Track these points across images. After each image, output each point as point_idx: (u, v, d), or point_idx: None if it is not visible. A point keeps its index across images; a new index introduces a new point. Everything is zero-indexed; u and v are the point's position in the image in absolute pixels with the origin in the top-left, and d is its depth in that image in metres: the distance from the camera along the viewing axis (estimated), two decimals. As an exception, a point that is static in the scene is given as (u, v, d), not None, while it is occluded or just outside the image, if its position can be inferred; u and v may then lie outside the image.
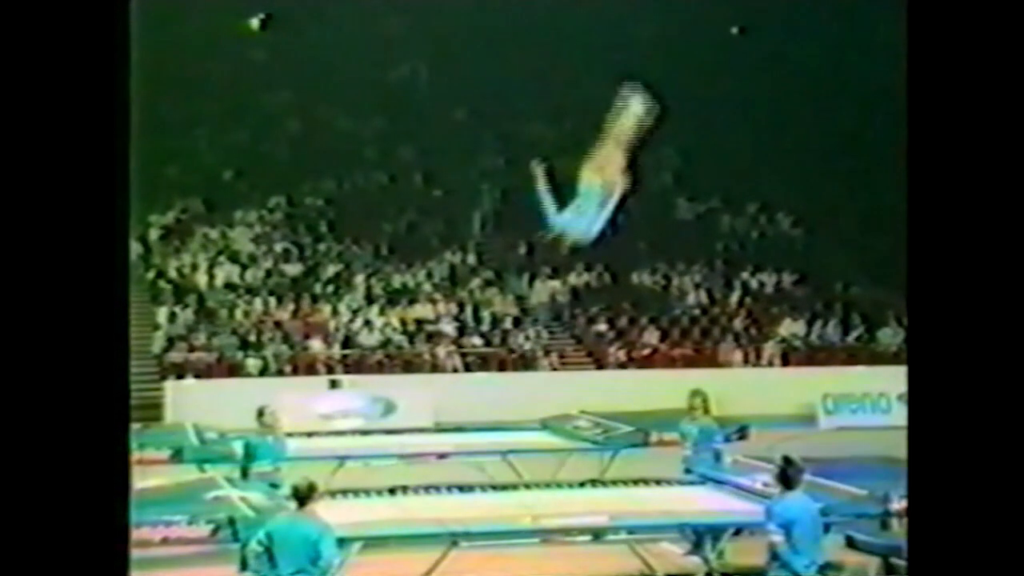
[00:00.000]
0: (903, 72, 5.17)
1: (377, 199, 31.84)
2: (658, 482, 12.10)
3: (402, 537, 9.94)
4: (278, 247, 29.40)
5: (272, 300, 27.02)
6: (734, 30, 34.48)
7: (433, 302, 27.54)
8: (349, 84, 33.21)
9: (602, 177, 10.15)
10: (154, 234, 29.14)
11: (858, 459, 13.29)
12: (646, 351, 27.03)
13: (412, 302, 27.51)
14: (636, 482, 12.22)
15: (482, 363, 26.14)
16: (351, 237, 29.94)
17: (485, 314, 27.42)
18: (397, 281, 28.32)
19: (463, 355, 26.12)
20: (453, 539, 9.60)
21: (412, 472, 13.13)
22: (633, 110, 10.44)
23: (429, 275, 28.55)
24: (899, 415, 20.26)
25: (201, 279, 27.73)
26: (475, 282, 28.58)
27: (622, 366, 26.52)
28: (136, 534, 7.16)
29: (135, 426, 10.93)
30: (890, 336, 27.50)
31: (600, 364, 26.76)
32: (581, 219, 10.21)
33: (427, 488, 11.55)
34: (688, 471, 12.34)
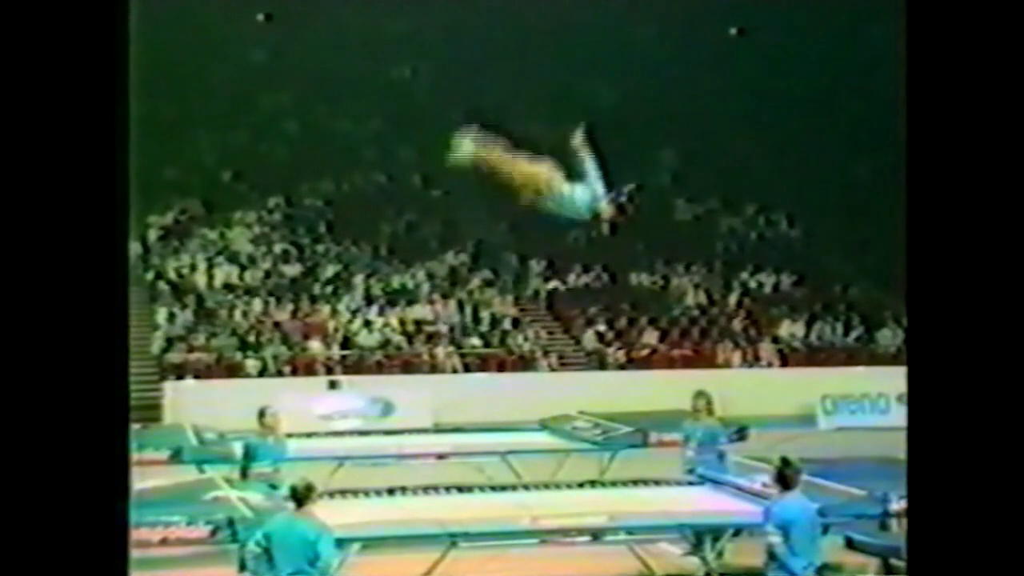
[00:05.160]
0: (902, 72, 5.17)
1: (376, 199, 31.84)
2: (657, 482, 12.11)
3: (402, 537, 9.94)
4: (277, 248, 29.41)
5: (271, 301, 27.02)
6: (733, 31, 34.50)
7: (432, 302, 27.54)
8: (349, 84, 33.23)
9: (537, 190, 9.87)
10: (153, 234, 29.15)
11: (857, 459, 13.29)
12: (645, 351, 27.04)
13: (411, 303, 27.52)
14: (635, 482, 12.23)
15: (481, 363, 26.14)
16: (350, 238, 29.94)
17: (484, 314, 27.43)
18: (396, 281, 28.32)
19: (462, 355, 26.13)
20: (452, 540, 9.60)
21: (411, 472, 13.13)
22: (466, 150, 10.15)
23: (431, 276, 28.52)
24: (898, 416, 20.26)
25: (200, 280, 27.73)
26: (475, 282, 28.60)
27: (621, 367, 26.52)
28: (135, 535, 7.16)
29: (134, 426, 10.92)
30: (889, 337, 27.51)
31: (599, 364, 26.76)
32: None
33: (426, 489, 11.56)
34: (691, 471, 12.34)
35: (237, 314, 26.49)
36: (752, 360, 27.11)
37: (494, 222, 30.91)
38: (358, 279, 28.17)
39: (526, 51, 32.78)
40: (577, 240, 30.78)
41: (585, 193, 9.52)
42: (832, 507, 9.58)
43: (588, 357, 27.07)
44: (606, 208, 9.58)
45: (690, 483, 12.02)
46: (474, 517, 10.22)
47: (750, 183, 33.00)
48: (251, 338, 25.69)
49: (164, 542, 8.89)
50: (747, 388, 22.64)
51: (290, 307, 26.89)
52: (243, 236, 29.71)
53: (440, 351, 25.94)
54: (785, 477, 8.47)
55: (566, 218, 9.86)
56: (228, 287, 27.61)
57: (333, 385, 24.44)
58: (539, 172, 9.59)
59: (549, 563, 10.75)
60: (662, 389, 18.94)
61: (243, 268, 28.35)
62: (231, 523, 8.96)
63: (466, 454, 14.62)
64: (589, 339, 27.36)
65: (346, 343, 26.06)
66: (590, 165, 9.59)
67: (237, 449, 12.49)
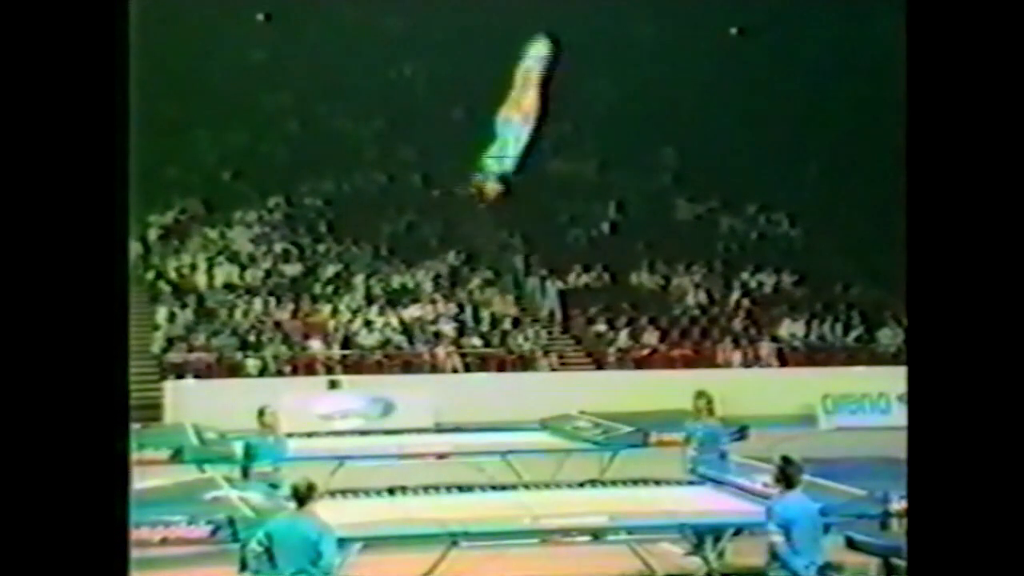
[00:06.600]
0: (903, 72, 5.17)
1: (377, 199, 31.83)
2: (658, 482, 12.11)
3: (402, 537, 9.94)
4: (277, 247, 29.39)
5: (272, 300, 27.01)
6: (733, 30, 34.48)
7: (433, 302, 27.53)
8: (349, 84, 33.20)
9: (520, 112, 11.45)
10: (154, 234, 29.13)
11: (858, 459, 13.29)
12: (646, 351, 27.02)
13: (414, 301, 27.49)
14: (636, 482, 12.22)
15: (481, 363, 26.13)
16: (351, 237, 29.93)
17: (485, 314, 27.41)
18: (396, 281, 28.31)
19: (463, 355, 26.11)
20: (453, 539, 9.60)
21: (412, 472, 13.12)
22: (536, 53, 11.96)
23: (436, 277, 28.49)
24: (899, 415, 20.26)
25: (200, 279, 27.72)
26: (475, 282, 28.58)
27: (622, 366, 26.50)
28: (136, 534, 7.17)
29: (135, 426, 10.93)
30: (890, 336, 27.49)
31: (600, 364, 26.75)
32: (502, 159, 11.37)
33: (427, 488, 11.56)
34: (693, 471, 12.33)
35: (237, 314, 26.48)
36: (752, 360, 27.09)
37: (495, 222, 30.93)
38: (358, 279, 28.16)
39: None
40: (578, 240, 30.78)
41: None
42: (833, 507, 9.57)
43: (588, 357, 27.08)
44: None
45: (691, 483, 12.02)
46: (475, 517, 10.22)
47: (750, 183, 32.96)
48: (251, 338, 25.68)
49: (164, 542, 8.89)
50: (747, 388, 22.59)
51: (290, 307, 26.88)
52: (243, 236, 29.70)
53: (440, 351, 25.94)
54: (787, 475, 8.47)
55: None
56: (228, 287, 27.59)
57: (333, 385, 24.42)
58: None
59: (549, 563, 10.74)
60: (662, 389, 18.92)
61: (243, 268, 28.33)
62: (231, 523, 8.96)
63: (466, 454, 14.62)
64: (590, 338, 27.33)
65: (346, 343, 26.05)
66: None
67: (237, 449, 12.50)
